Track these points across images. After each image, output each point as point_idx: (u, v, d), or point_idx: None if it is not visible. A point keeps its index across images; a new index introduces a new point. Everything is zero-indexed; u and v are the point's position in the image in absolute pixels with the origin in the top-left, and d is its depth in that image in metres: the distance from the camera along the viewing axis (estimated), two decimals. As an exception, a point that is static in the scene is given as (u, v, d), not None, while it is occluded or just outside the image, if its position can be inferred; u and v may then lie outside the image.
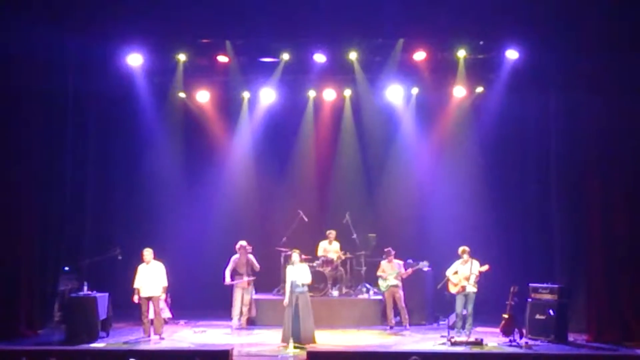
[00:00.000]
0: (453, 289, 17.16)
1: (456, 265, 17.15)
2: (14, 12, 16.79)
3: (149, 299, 16.92)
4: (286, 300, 16.22)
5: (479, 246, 17.72)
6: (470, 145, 21.00)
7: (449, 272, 17.20)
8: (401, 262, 18.41)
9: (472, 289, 16.96)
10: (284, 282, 17.46)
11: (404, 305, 18.23)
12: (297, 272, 16.31)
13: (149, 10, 17.69)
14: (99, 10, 17.63)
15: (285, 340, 16.04)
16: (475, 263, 16.98)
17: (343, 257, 19.90)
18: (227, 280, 18.32)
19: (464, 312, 17.05)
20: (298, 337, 15.91)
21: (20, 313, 17.18)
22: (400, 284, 18.24)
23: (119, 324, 18.28)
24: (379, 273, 18.46)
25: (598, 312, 16.88)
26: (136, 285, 16.90)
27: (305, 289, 16.38)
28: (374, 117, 21.52)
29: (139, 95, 20.29)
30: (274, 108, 21.46)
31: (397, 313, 18.41)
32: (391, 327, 18.19)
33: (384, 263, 18.43)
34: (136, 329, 17.63)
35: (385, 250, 18.49)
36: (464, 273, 16.97)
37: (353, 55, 19.76)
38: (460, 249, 17.12)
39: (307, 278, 16.39)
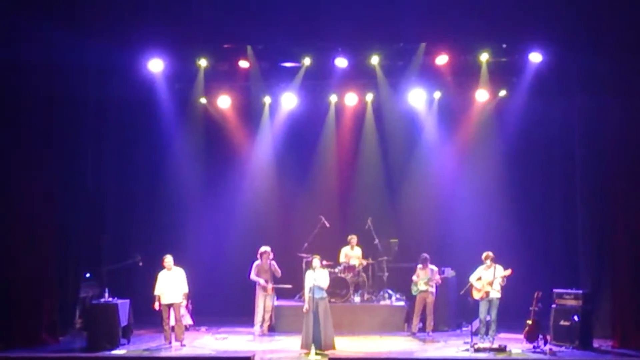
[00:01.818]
0: (477, 295, 17.02)
1: (480, 270, 17.01)
2: (34, 19, 16.79)
3: (170, 305, 16.89)
4: (306, 306, 16.10)
5: (502, 251, 17.60)
6: (494, 150, 20.80)
7: (472, 278, 17.05)
8: (435, 269, 18.24)
9: (496, 294, 16.81)
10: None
11: (432, 311, 18.12)
12: (316, 278, 16.15)
13: (170, 15, 17.73)
14: (120, 16, 17.64)
15: (304, 346, 15.98)
16: (499, 268, 16.80)
17: (365, 263, 19.75)
18: (253, 276, 18.29)
19: (488, 318, 16.94)
20: (319, 343, 15.81)
21: (42, 320, 17.19)
22: (431, 289, 18.09)
23: (140, 330, 18.26)
24: (413, 277, 18.32)
25: (623, 317, 16.69)
26: (157, 292, 16.88)
27: (325, 295, 16.27)
28: (396, 121, 21.39)
29: (160, 101, 20.37)
30: (295, 113, 21.36)
31: (421, 319, 18.27)
32: (414, 333, 18.08)
33: (419, 268, 18.28)
34: (157, 335, 17.62)
35: (422, 256, 18.27)
36: (488, 279, 16.83)
37: (375, 60, 19.71)
38: (484, 254, 16.97)
39: (325, 283, 16.26)
